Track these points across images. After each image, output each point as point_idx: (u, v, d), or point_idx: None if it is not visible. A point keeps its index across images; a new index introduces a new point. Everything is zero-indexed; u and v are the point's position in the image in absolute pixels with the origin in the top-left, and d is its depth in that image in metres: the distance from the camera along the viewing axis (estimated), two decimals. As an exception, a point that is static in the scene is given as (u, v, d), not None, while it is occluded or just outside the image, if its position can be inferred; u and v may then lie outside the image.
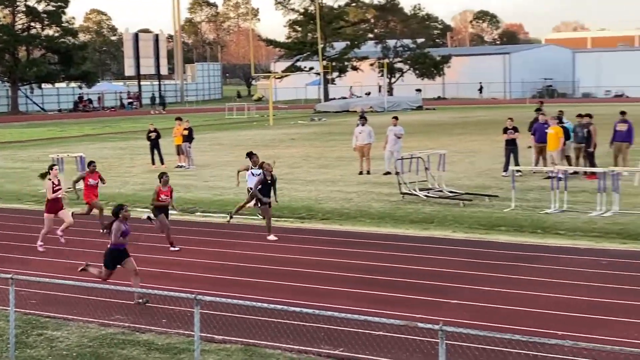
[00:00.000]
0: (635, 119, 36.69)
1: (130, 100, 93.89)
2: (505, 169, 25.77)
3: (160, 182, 16.94)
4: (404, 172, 22.94)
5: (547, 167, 24.15)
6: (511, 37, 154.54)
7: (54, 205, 17.47)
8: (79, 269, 13.50)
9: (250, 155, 20.12)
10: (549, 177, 21.43)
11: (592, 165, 24.80)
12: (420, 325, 8.13)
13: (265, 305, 9.07)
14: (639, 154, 26.34)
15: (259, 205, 18.22)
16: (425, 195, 22.20)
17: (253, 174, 19.46)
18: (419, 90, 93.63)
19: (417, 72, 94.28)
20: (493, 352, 9.97)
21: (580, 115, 26.26)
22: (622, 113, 26.27)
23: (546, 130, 25.78)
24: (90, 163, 19.27)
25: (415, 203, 21.65)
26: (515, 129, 26.43)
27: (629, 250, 15.81)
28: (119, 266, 13.07)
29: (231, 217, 19.56)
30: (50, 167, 18.01)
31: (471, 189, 23.52)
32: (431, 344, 9.75)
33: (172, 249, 16.76)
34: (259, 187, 17.88)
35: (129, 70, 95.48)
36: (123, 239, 12.93)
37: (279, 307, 9.09)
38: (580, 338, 10.11)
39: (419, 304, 12.52)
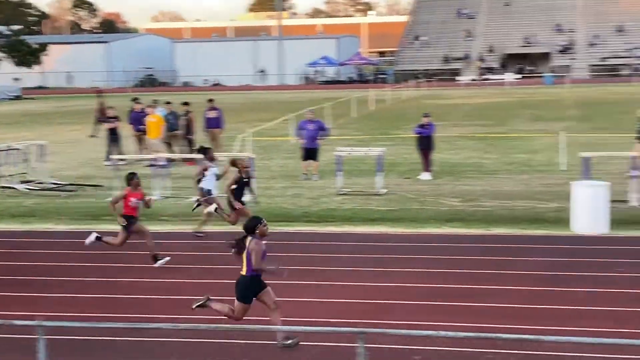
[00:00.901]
0: (226, 106, 38.69)
1: None
2: (107, 158, 25.67)
3: (130, 184, 13.57)
4: (1, 165, 21.95)
5: (149, 154, 24.47)
6: (110, 26, 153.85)
7: None
8: (194, 306, 10.07)
9: (203, 150, 16.63)
10: (151, 165, 21.73)
11: (192, 152, 25.64)
12: (17, 322, 7.83)
13: None
14: (232, 140, 27.74)
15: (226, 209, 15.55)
16: (26, 188, 21.41)
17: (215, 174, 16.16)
18: (17, 79, 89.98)
19: (15, 60, 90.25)
20: (97, 342, 9.91)
21: (167, 103, 27.09)
22: (210, 101, 27.75)
23: (145, 119, 26.13)
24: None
25: (16, 197, 20.76)
26: (116, 118, 26.46)
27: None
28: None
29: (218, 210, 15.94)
30: None
31: (75, 179, 23.18)
32: (29, 340, 9.42)
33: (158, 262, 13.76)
34: (233, 187, 15.48)
35: None
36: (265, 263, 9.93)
37: None
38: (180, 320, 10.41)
39: (19, 300, 12.02)
